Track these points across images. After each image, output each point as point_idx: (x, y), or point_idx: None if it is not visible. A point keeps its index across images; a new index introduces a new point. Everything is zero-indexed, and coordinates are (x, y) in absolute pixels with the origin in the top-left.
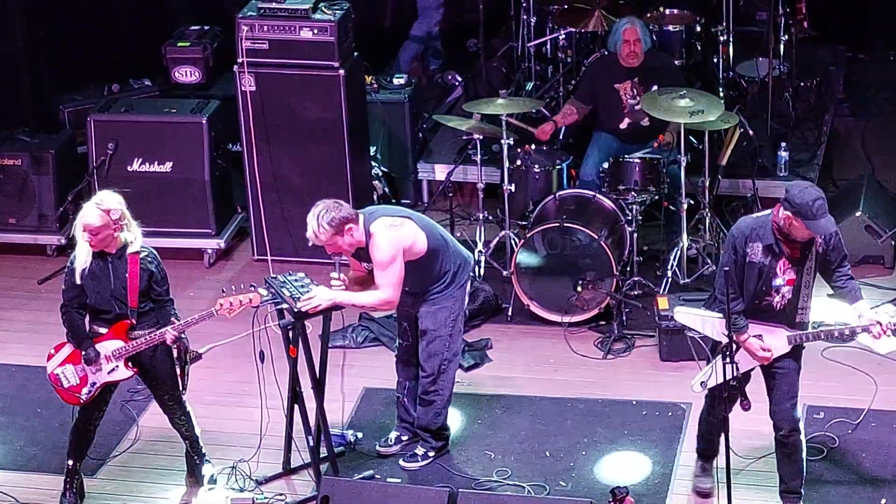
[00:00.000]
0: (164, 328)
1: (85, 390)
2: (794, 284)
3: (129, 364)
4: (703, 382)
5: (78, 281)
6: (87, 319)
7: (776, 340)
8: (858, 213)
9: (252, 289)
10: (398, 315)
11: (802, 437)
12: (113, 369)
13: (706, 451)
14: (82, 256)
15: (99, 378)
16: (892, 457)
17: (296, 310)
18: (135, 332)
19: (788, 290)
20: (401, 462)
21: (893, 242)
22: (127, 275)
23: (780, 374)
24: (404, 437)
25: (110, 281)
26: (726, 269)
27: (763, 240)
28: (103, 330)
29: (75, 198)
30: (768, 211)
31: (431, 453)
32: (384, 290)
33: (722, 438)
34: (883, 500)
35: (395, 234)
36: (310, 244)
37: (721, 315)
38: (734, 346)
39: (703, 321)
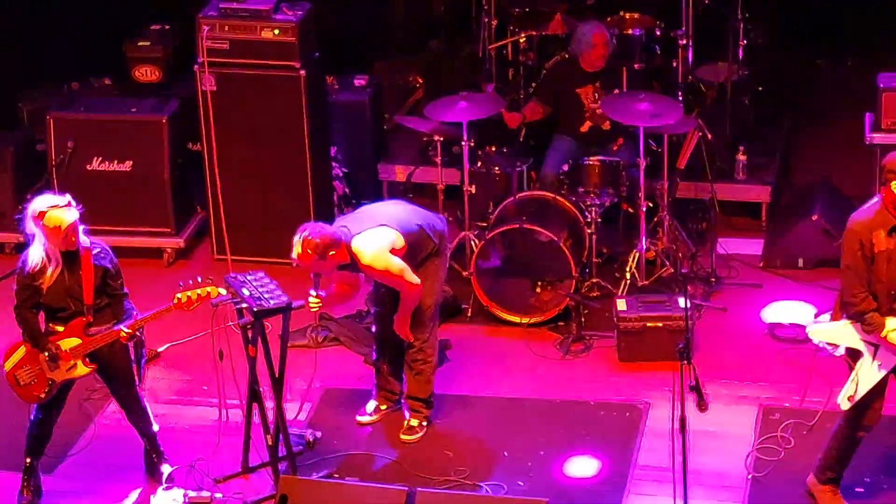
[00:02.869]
0: (124, 322)
1: (43, 389)
2: None
3: (87, 361)
4: (850, 397)
5: (32, 280)
6: (41, 318)
7: None
8: (815, 217)
9: (209, 281)
10: (375, 282)
11: None
12: (71, 367)
13: (838, 475)
14: (37, 256)
15: (57, 376)
16: None
17: (255, 309)
18: (91, 328)
19: None
20: (401, 436)
21: None
22: (81, 272)
23: None
24: (383, 406)
25: (65, 278)
26: (850, 268)
27: (884, 224)
28: (60, 328)
29: (34, 195)
30: (873, 199)
31: (425, 423)
32: (405, 285)
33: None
34: None
35: (375, 250)
36: (293, 265)
37: (852, 321)
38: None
39: (839, 333)
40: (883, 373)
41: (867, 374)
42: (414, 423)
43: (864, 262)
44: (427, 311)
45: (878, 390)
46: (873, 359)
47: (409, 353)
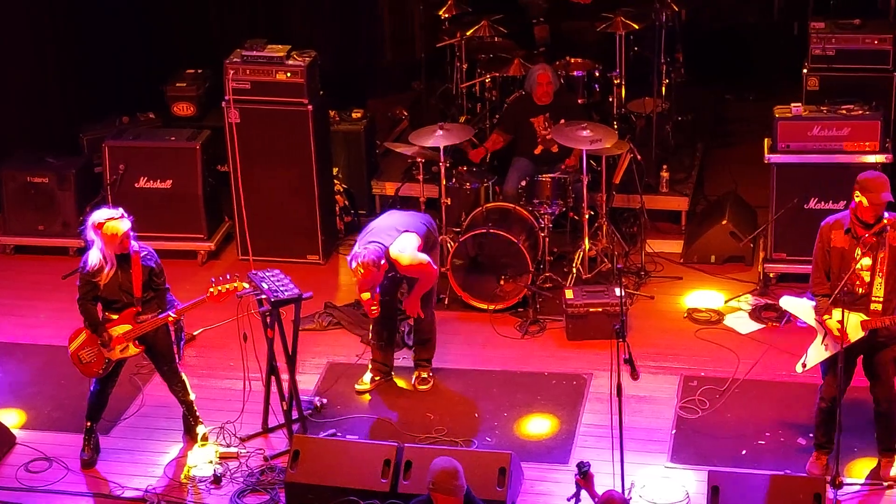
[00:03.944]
0: (167, 311)
1: (101, 367)
2: (871, 270)
3: (137, 343)
4: (803, 364)
5: (91, 278)
6: (99, 308)
7: (852, 325)
8: (724, 222)
9: (236, 278)
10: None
11: None
12: (124, 348)
13: (820, 442)
14: (95, 258)
15: (112, 356)
16: (751, 416)
17: (272, 300)
18: (140, 317)
19: (867, 274)
20: (418, 387)
21: (752, 245)
22: (131, 271)
23: (875, 360)
24: (377, 378)
25: (118, 276)
26: (814, 257)
27: (843, 226)
28: (115, 316)
29: (92, 209)
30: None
31: (432, 373)
32: (431, 273)
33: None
34: (743, 451)
35: (411, 252)
36: (359, 282)
37: (812, 302)
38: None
39: (801, 308)
40: (828, 353)
41: (816, 350)
42: (425, 375)
43: (823, 254)
44: (432, 292)
45: (831, 368)
46: (823, 339)
47: (417, 324)
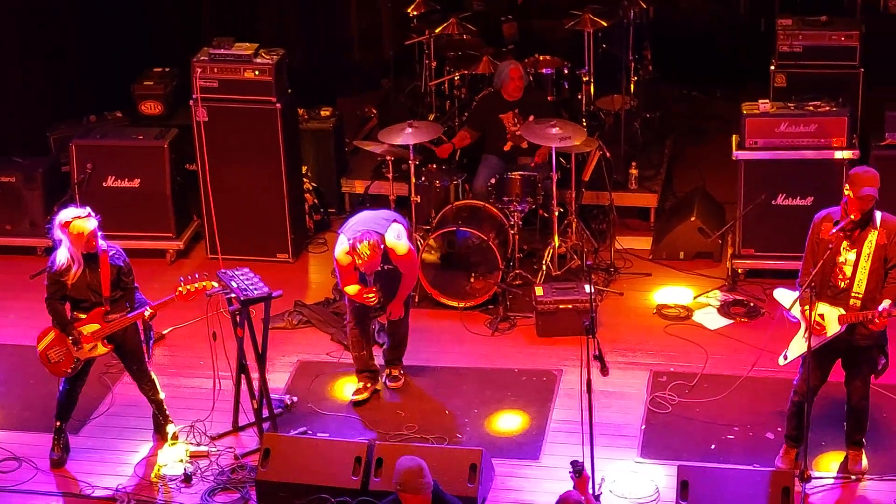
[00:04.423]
0: (140, 309)
1: (70, 366)
2: (854, 266)
3: (106, 342)
4: (785, 355)
5: (59, 277)
6: (67, 308)
7: (830, 319)
8: (693, 218)
9: (205, 277)
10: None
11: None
12: (92, 347)
13: (790, 434)
14: (63, 257)
15: (81, 355)
16: (719, 411)
17: (242, 298)
18: (109, 316)
19: (850, 270)
20: (388, 384)
21: (720, 241)
22: (100, 270)
23: (854, 359)
24: (368, 385)
25: (86, 276)
26: (805, 249)
27: (833, 219)
28: (83, 316)
29: (59, 208)
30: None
31: (403, 371)
32: (416, 266)
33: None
34: (713, 446)
35: (405, 240)
36: (363, 270)
37: (797, 293)
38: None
39: (789, 299)
40: (806, 346)
41: (797, 343)
42: (396, 373)
43: (812, 246)
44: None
45: (810, 364)
46: (805, 332)
47: (395, 326)
